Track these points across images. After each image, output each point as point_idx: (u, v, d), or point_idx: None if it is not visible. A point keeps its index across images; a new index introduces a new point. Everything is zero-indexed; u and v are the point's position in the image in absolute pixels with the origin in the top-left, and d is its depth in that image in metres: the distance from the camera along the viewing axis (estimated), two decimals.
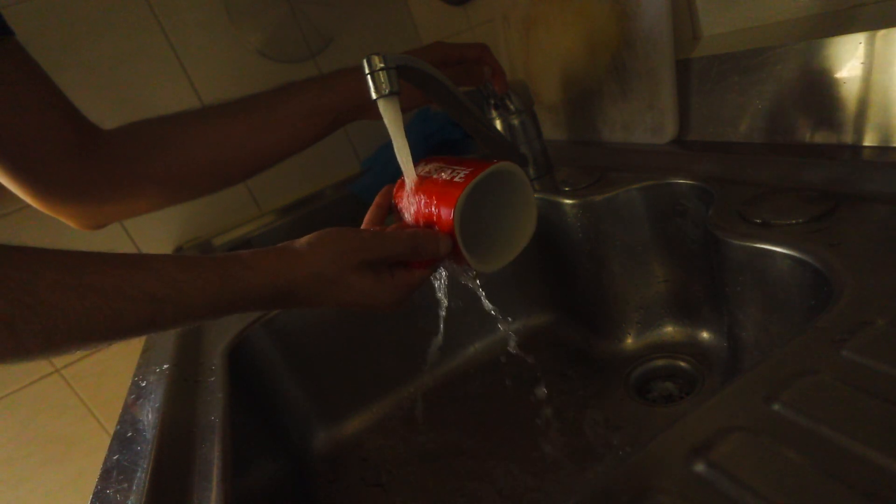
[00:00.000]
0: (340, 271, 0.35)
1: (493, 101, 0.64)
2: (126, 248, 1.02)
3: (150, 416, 0.45)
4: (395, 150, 0.40)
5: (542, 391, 0.54)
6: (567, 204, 0.59)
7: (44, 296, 0.26)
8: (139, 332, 0.31)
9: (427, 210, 0.39)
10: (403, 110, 0.42)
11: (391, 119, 0.40)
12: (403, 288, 0.38)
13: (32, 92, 0.47)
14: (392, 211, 0.45)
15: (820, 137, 0.45)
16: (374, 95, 0.40)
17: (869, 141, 0.42)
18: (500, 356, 0.56)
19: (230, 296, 0.33)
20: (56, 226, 0.96)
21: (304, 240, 0.37)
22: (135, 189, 0.52)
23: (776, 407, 0.24)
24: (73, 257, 0.29)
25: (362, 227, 0.44)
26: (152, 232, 1.04)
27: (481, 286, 0.44)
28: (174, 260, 0.32)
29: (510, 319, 0.45)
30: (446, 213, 0.37)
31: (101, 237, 0.99)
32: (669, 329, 0.59)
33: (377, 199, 0.45)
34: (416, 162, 0.42)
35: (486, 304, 0.45)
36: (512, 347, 0.47)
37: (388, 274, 0.38)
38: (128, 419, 0.47)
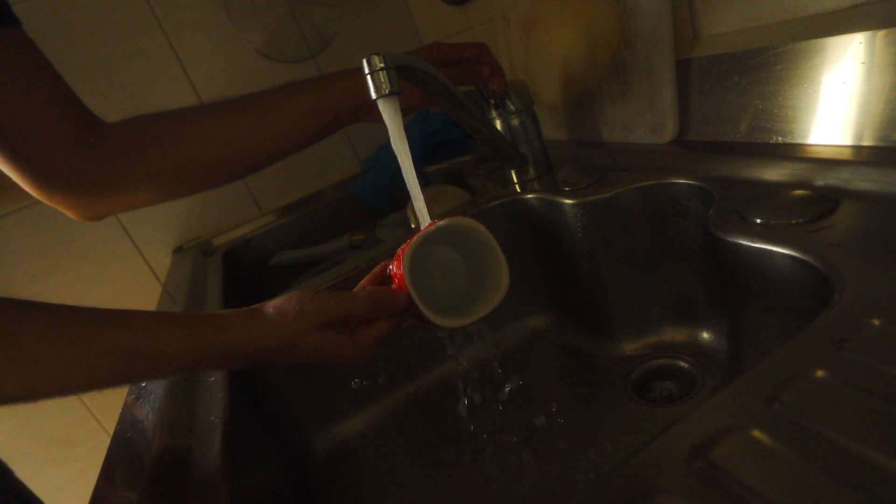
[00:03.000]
0: (300, 334, 0.37)
1: (492, 101, 0.64)
2: (125, 247, 1.02)
3: (150, 416, 0.45)
4: (395, 149, 0.40)
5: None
6: (567, 204, 0.59)
7: (28, 348, 0.29)
8: (114, 384, 0.33)
9: (392, 272, 0.41)
10: (404, 111, 0.42)
11: (391, 119, 0.40)
12: (365, 346, 0.40)
13: (37, 82, 0.47)
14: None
15: (820, 137, 0.45)
16: (374, 95, 0.40)
17: (869, 141, 0.42)
18: (500, 358, 0.57)
19: (202, 357, 0.35)
20: (55, 226, 0.96)
21: (272, 302, 0.39)
22: (133, 182, 0.52)
23: (776, 407, 0.24)
24: (58, 313, 0.31)
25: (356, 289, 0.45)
26: (152, 232, 1.04)
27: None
28: (154, 318, 0.34)
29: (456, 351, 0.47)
30: (399, 268, 0.39)
31: (100, 237, 1.00)
32: (669, 329, 0.59)
33: (375, 269, 0.45)
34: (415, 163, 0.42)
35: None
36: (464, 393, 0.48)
37: (348, 333, 0.39)
38: (128, 419, 0.47)
